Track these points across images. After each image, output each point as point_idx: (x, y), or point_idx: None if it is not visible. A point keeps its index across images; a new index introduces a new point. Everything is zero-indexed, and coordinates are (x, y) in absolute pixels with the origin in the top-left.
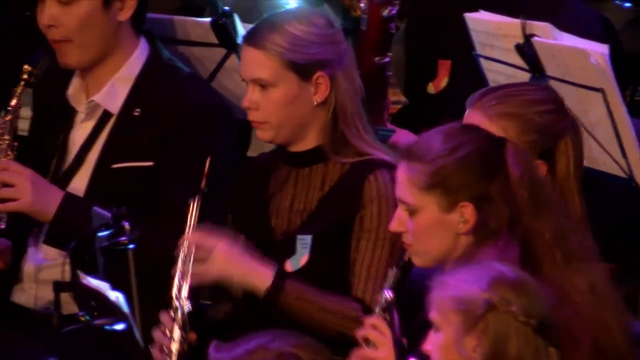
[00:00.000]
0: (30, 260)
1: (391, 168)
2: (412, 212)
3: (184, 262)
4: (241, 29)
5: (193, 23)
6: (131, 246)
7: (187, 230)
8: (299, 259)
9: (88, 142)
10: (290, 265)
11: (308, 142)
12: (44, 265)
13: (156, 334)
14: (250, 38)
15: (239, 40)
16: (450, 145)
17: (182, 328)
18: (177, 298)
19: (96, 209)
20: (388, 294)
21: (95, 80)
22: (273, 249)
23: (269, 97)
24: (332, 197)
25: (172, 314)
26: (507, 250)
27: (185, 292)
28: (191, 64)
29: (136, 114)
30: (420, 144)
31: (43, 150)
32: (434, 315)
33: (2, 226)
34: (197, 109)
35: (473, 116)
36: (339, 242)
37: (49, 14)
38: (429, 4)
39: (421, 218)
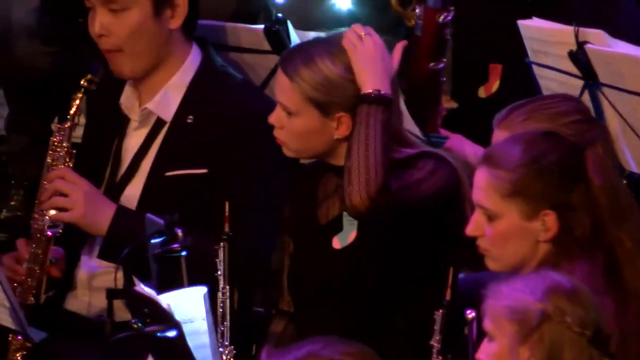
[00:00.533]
0: (84, 267)
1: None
2: (492, 217)
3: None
4: (294, 35)
5: (246, 30)
6: (184, 253)
7: (220, 275)
8: (347, 235)
9: (142, 150)
10: (339, 242)
11: (342, 158)
12: (97, 273)
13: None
14: (284, 62)
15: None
16: (532, 154)
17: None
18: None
19: (149, 216)
20: (436, 341)
21: (148, 88)
22: (320, 232)
23: (291, 123)
24: None
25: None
26: (593, 260)
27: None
28: (244, 71)
29: (189, 121)
30: (500, 150)
31: (96, 158)
32: (488, 325)
33: (59, 232)
34: (250, 116)
35: (502, 135)
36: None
37: (100, 23)
38: (479, 8)
39: (501, 224)
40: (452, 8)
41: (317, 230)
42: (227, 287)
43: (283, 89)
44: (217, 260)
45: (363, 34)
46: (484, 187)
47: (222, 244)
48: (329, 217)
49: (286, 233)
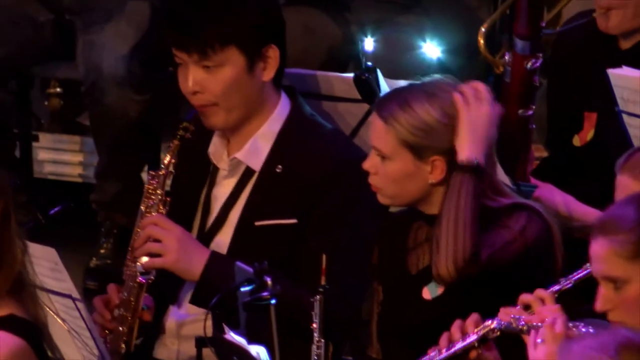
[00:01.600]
0: (172, 315)
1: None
2: (620, 285)
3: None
4: (384, 84)
5: (335, 78)
6: (273, 301)
7: (315, 328)
8: (437, 286)
9: (231, 199)
10: (429, 292)
11: (437, 206)
12: (186, 321)
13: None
14: (379, 106)
15: (381, 96)
16: None
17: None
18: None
19: (239, 264)
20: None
21: (237, 138)
22: (410, 282)
23: (386, 168)
24: None
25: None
26: None
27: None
28: (333, 119)
29: (278, 170)
30: (613, 216)
31: (185, 206)
32: None
33: (151, 280)
34: (340, 165)
35: (623, 181)
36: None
37: (193, 80)
38: (573, 56)
39: (631, 289)
40: (541, 55)
41: (407, 279)
42: (322, 340)
43: (378, 133)
44: (312, 312)
45: (481, 97)
46: (605, 257)
47: (317, 297)
48: (419, 266)
49: (375, 281)
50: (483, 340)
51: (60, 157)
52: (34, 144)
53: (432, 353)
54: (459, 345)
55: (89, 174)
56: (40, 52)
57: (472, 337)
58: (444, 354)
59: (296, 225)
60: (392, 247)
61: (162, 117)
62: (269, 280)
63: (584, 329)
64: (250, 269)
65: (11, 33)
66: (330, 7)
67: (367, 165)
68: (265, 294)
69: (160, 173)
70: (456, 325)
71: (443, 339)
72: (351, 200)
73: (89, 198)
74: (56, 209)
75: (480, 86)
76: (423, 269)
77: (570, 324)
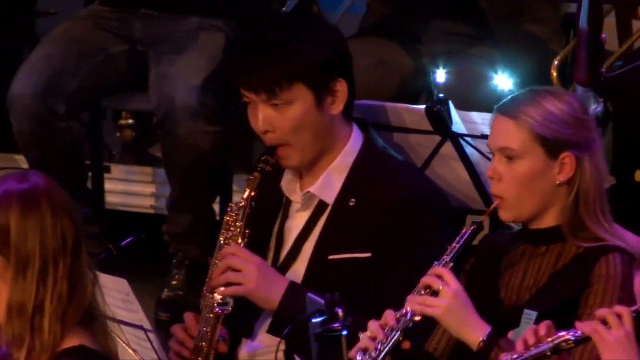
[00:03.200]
0: (245, 347)
1: (625, 254)
2: None
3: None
4: (456, 116)
5: (407, 110)
6: (344, 332)
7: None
8: (522, 333)
9: (304, 233)
10: (513, 338)
11: (547, 220)
12: (258, 352)
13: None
14: (503, 108)
15: (454, 128)
16: None
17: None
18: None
19: (310, 295)
20: None
21: (310, 172)
22: (498, 320)
23: (513, 170)
24: (563, 276)
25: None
26: None
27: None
28: (405, 151)
29: (351, 204)
30: None
31: (259, 239)
32: None
33: (229, 311)
34: (413, 198)
35: None
36: (564, 322)
37: (263, 119)
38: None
39: None
40: (602, 100)
41: (495, 317)
42: None
43: (506, 131)
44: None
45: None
46: None
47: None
48: (511, 303)
49: None
50: (556, 350)
51: (132, 188)
52: (106, 175)
53: (504, 358)
54: (532, 352)
55: (161, 205)
56: (112, 84)
57: (545, 346)
58: (514, 358)
59: (370, 259)
60: (483, 269)
61: (235, 148)
62: (340, 312)
63: None
64: (322, 301)
65: (84, 65)
66: (402, 39)
67: (490, 172)
68: (336, 325)
69: (241, 205)
70: (531, 330)
71: (519, 344)
72: (425, 233)
73: (161, 230)
74: (128, 241)
75: (610, 313)
76: (511, 311)
77: None
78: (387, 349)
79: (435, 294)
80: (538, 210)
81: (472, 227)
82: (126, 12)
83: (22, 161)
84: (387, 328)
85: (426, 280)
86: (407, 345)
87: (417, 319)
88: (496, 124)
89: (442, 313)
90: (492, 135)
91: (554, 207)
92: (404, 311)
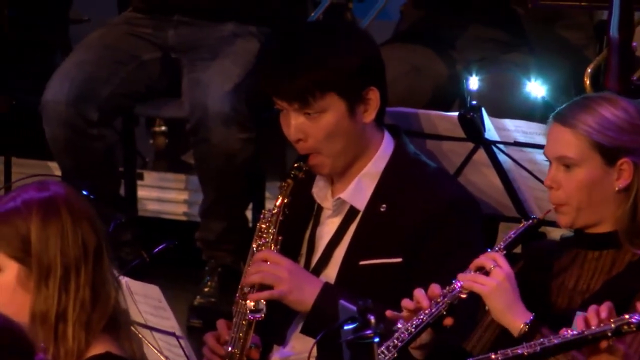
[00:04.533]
0: (276, 354)
1: None
2: None
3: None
4: (489, 123)
5: (439, 117)
6: (376, 339)
7: None
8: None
9: (335, 238)
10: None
11: (604, 226)
12: (290, 358)
13: None
14: (559, 116)
15: (486, 135)
16: None
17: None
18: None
19: (342, 302)
20: None
21: (342, 179)
22: (548, 321)
23: (571, 178)
24: (617, 282)
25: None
26: None
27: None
28: (437, 158)
29: (382, 209)
30: None
31: (290, 245)
32: None
33: (261, 317)
34: (444, 205)
35: None
36: None
37: (295, 128)
38: None
39: None
40: None
41: (546, 320)
42: None
43: (563, 140)
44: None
45: None
46: None
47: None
48: (563, 306)
49: None
50: (617, 332)
51: (165, 195)
52: (139, 182)
53: (564, 332)
54: (592, 330)
55: (194, 212)
56: (145, 91)
57: (607, 327)
58: (574, 334)
59: (401, 264)
60: (534, 273)
61: (267, 155)
62: (372, 319)
63: None
64: (354, 307)
65: (117, 71)
66: (435, 46)
67: (548, 181)
68: (368, 332)
69: (274, 212)
70: (592, 310)
71: (579, 321)
72: (457, 239)
73: (194, 236)
74: (160, 247)
75: None
76: (563, 315)
77: None
78: (429, 320)
79: (486, 275)
80: (597, 216)
81: (529, 222)
82: (159, 19)
83: (55, 168)
84: (432, 299)
85: (479, 261)
86: (449, 321)
87: (463, 296)
88: (552, 133)
89: (490, 291)
90: (548, 144)
91: (610, 212)
92: (452, 286)
